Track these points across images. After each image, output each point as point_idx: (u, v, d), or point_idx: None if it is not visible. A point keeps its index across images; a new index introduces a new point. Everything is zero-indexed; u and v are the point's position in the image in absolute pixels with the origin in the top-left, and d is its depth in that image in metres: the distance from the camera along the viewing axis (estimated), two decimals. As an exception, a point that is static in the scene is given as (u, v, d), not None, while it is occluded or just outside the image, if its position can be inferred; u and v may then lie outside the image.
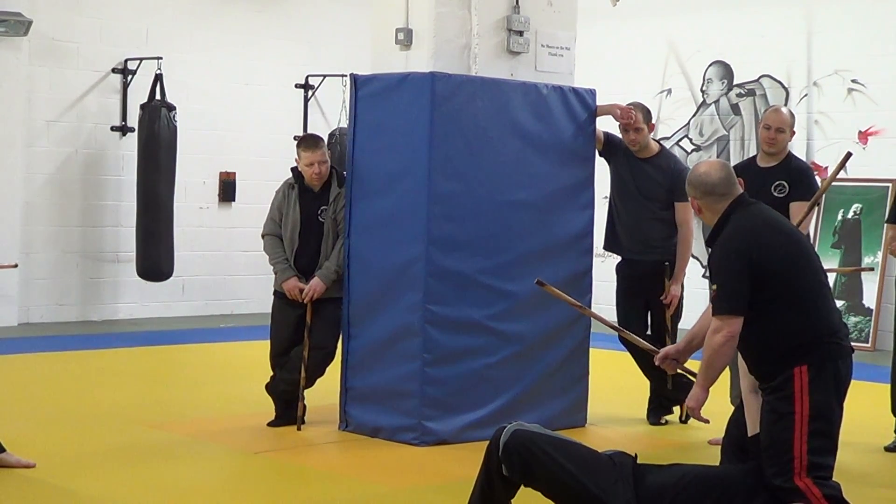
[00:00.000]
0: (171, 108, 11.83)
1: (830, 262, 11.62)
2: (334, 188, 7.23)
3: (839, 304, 11.48)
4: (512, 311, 7.08)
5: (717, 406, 7.53)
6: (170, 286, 12.30)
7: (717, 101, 12.89)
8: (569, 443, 4.62)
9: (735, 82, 12.75)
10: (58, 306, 11.97)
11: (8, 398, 7.87)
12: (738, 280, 4.56)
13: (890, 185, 11.41)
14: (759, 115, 11.38)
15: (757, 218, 4.74)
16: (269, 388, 7.31)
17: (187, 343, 11.04)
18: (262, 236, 7.40)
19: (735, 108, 12.72)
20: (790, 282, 4.59)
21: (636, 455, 4.64)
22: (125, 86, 12.26)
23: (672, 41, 13.10)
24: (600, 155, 7.65)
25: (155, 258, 11.76)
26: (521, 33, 7.27)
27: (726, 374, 7.19)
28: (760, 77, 12.54)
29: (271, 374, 7.35)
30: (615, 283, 7.77)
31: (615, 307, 7.69)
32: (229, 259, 13.07)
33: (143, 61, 12.08)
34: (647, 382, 7.74)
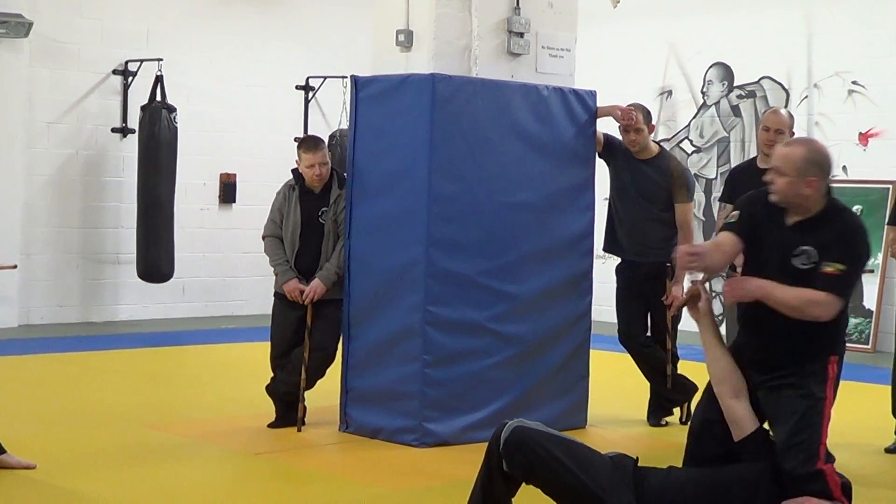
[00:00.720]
0: (172, 109, 11.84)
1: (831, 263, 11.62)
2: (335, 190, 7.24)
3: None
4: (512, 313, 7.08)
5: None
6: (170, 287, 12.31)
7: (717, 103, 12.90)
8: (571, 441, 4.62)
9: (735, 84, 12.75)
10: (58, 307, 11.98)
11: (8, 399, 7.88)
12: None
13: (890, 186, 11.41)
14: (760, 117, 11.37)
15: None
16: (270, 389, 7.31)
17: (188, 344, 11.04)
18: (263, 238, 7.40)
19: (735, 110, 12.73)
20: None
21: (637, 458, 4.64)
22: (126, 87, 12.27)
23: (672, 43, 13.10)
24: (600, 156, 7.65)
25: (155, 259, 11.77)
26: (521, 35, 7.27)
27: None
28: (761, 79, 12.54)
29: (272, 375, 7.35)
30: (615, 285, 7.76)
31: (615, 308, 7.68)
32: (230, 260, 13.07)
33: (144, 63, 12.09)
34: (647, 384, 7.74)
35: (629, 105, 7.57)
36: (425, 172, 6.80)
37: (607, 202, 7.72)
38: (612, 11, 11.53)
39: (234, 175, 13.08)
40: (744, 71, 12.63)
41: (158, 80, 11.89)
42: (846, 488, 4.62)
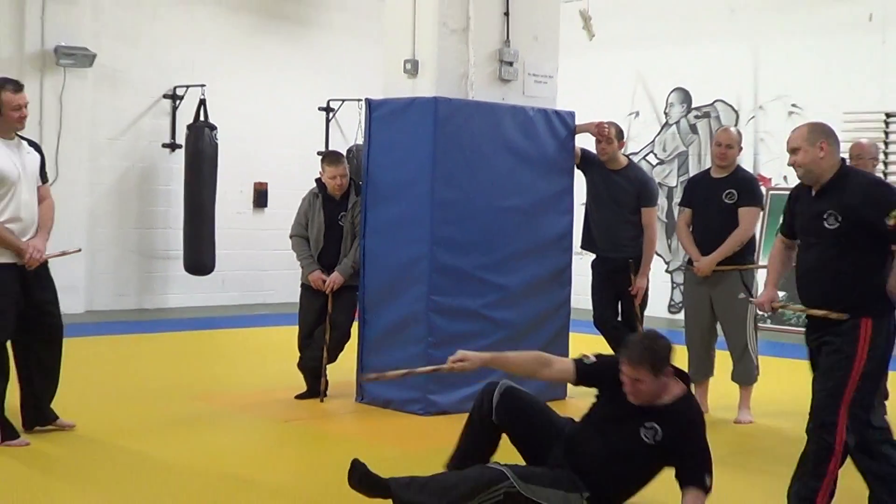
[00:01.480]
0: (213, 127, 11.82)
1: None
2: (352, 197, 7.24)
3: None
4: (503, 301, 7.07)
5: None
6: (212, 280, 12.28)
7: (677, 122, 12.87)
8: (548, 407, 4.72)
9: (693, 105, 12.73)
10: (118, 296, 11.96)
11: (76, 375, 7.83)
12: None
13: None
14: (714, 134, 11.37)
15: None
16: (300, 365, 7.31)
17: (226, 328, 11.03)
18: (291, 237, 7.39)
19: (693, 128, 12.71)
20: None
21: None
22: (174, 109, 12.25)
23: (639, 71, 13.08)
24: (578, 168, 7.62)
25: (199, 256, 11.76)
26: (511, 64, 7.25)
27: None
28: (715, 101, 12.52)
29: (300, 354, 7.34)
30: (591, 277, 7.73)
31: (591, 296, 7.66)
32: (262, 256, 13.05)
33: (190, 88, 12.07)
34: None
35: (607, 122, 7.52)
36: (429, 181, 6.79)
37: (584, 207, 7.69)
38: (588, 44, 11.48)
39: (266, 183, 13.05)
40: (700, 95, 12.62)
41: (202, 102, 11.87)
42: (845, 447, 4.40)
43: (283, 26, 13.18)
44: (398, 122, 6.95)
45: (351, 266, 7.14)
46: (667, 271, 12.75)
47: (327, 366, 7.17)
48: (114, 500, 4.87)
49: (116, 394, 7.27)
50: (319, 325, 7.24)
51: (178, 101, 12.21)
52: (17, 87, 5.69)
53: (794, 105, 11.78)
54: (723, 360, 7.09)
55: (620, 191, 7.46)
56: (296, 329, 7.45)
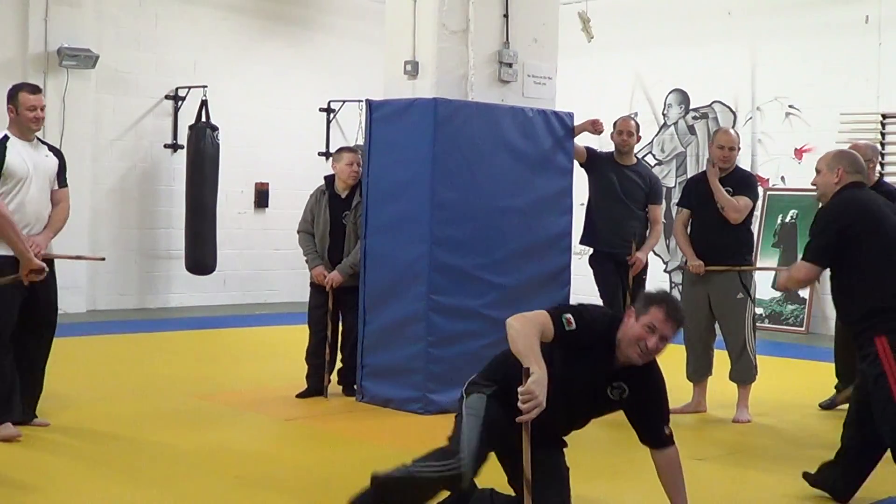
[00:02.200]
0: (215, 128, 11.81)
1: (771, 260, 11.62)
2: (356, 196, 7.26)
3: (777, 295, 11.47)
4: (502, 300, 7.05)
5: (678, 381, 7.53)
6: (213, 279, 12.28)
7: (675, 123, 12.86)
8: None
9: (691, 107, 12.73)
10: (119, 296, 11.96)
11: (79, 374, 7.85)
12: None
13: (822, 193, 11.39)
14: (711, 135, 11.36)
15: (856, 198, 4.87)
16: (309, 361, 7.38)
17: (228, 328, 11.01)
18: (298, 232, 7.44)
19: (691, 129, 12.70)
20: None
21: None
22: (176, 110, 12.24)
23: (638, 72, 13.07)
24: (582, 166, 7.60)
25: (201, 255, 11.75)
26: (510, 65, 7.24)
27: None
28: (712, 102, 12.52)
29: (310, 349, 7.37)
30: (592, 273, 7.66)
31: (598, 287, 7.52)
32: (263, 256, 13.05)
33: (192, 89, 12.07)
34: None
35: (627, 115, 7.57)
36: (429, 181, 6.78)
37: (586, 204, 7.63)
38: (587, 45, 11.50)
39: (267, 184, 13.04)
40: (698, 96, 12.61)
41: (204, 103, 11.87)
42: None
43: (285, 28, 13.17)
44: (398, 122, 6.94)
45: (350, 267, 7.14)
46: (665, 271, 12.75)
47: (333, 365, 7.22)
48: (114, 498, 4.86)
49: (118, 393, 7.26)
50: (326, 321, 7.29)
51: (180, 102, 12.20)
52: (34, 89, 5.93)
53: (791, 106, 11.78)
54: (721, 360, 7.08)
55: (633, 186, 7.43)
56: (296, 328, 7.45)
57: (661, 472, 4.20)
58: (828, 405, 7.10)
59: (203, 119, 11.84)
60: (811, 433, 6.60)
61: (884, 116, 11.20)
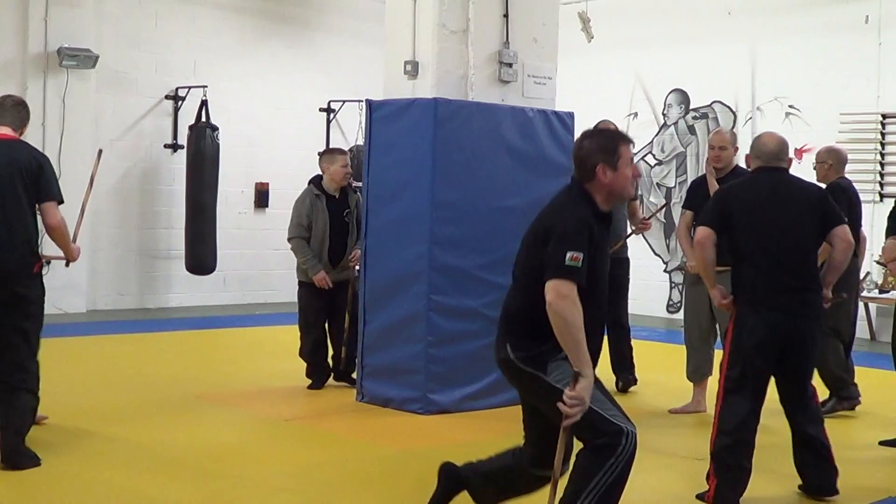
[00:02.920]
0: (215, 128, 11.82)
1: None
2: (351, 195, 7.37)
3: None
4: (502, 300, 7.00)
5: (678, 381, 7.54)
6: (213, 279, 12.28)
7: (675, 123, 12.86)
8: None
9: (691, 107, 12.72)
10: (119, 296, 11.96)
11: (78, 373, 7.86)
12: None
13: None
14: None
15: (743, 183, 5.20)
16: (308, 357, 7.54)
17: (228, 327, 11.01)
18: (290, 240, 7.44)
19: (691, 129, 12.70)
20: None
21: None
22: (176, 110, 12.24)
23: (638, 72, 13.07)
24: None
25: (201, 255, 11.75)
26: (510, 65, 7.24)
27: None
28: (712, 102, 12.51)
29: (307, 347, 7.51)
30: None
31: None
32: (263, 256, 13.04)
33: (192, 89, 12.07)
34: (616, 359, 7.69)
35: (603, 121, 7.56)
36: (429, 181, 6.78)
37: None
38: (587, 46, 11.51)
39: (267, 184, 13.04)
40: (698, 96, 12.60)
41: (203, 103, 11.87)
42: None
43: (285, 28, 13.16)
44: (398, 122, 6.94)
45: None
46: (665, 271, 12.75)
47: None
48: (115, 498, 4.85)
49: (118, 392, 7.25)
50: (324, 320, 7.47)
51: (180, 102, 12.20)
52: None
53: (791, 106, 11.78)
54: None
55: None
56: (296, 328, 7.46)
57: None
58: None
59: (203, 119, 11.84)
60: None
61: (884, 116, 11.20)
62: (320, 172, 7.58)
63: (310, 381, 7.50)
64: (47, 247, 5.84)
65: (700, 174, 7.69)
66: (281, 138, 13.06)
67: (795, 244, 4.92)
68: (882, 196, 11.16)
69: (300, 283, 7.47)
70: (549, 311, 3.79)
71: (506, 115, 7.08)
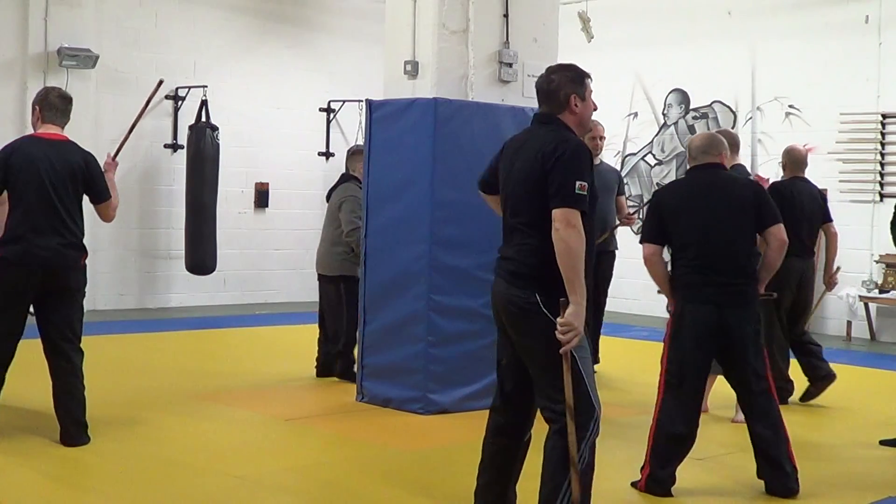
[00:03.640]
0: (215, 128, 11.82)
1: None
2: None
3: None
4: (502, 300, 7.05)
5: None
6: (213, 279, 12.28)
7: (675, 123, 12.86)
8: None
9: (691, 107, 12.73)
10: (119, 296, 11.96)
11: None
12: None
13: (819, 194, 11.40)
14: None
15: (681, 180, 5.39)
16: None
17: (228, 327, 11.01)
18: (352, 231, 7.56)
19: (691, 129, 12.69)
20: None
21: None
22: (176, 110, 12.24)
23: (638, 72, 13.07)
24: None
25: (201, 255, 11.75)
26: (510, 65, 7.24)
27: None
28: (712, 102, 12.52)
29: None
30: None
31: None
32: (263, 256, 13.05)
33: (192, 89, 12.07)
34: (619, 360, 7.77)
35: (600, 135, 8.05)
36: (429, 181, 6.78)
37: None
38: (587, 45, 11.50)
39: (267, 184, 13.04)
40: (698, 96, 12.61)
41: (203, 103, 11.87)
42: None
43: (285, 28, 13.17)
44: (398, 122, 6.94)
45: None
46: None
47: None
48: (115, 497, 4.86)
49: (117, 393, 7.25)
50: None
51: (180, 102, 12.20)
52: None
53: (791, 106, 11.78)
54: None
55: (610, 179, 8.05)
56: (296, 328, 7.47)
57: None
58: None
59: (203, 119, 11.84)
60: (811, 432, 6.59)
61: (884, 116, 11.21)
62: (350, 171, 7.78)
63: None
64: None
65: None
66: (281, 138, 13.06)
67: (725, 239, 5.07)
68: (882, 196, 11.16)
69: (352, 279, 7.49)
70: (555, 238, 3.86)
71: (506, 115, 7.07)
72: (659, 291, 5.43)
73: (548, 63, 7.57)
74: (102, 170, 5.97)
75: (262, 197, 13.03)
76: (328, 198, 8.04)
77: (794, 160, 7.46)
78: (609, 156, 13.41)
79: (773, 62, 11.94)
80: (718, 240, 5.07)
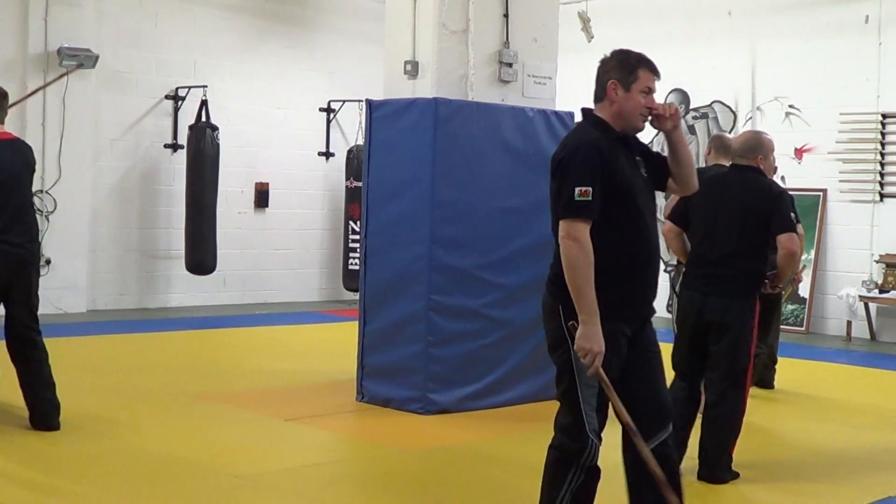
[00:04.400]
0: (215, 128, 11.81)
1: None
2: None
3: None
4: (502, 300, 7.06)
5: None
6: (213, 279, 12.28)
7: (675, 123, 12.85)
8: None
9: (691, 107, 12.72)
10: (120, 296, 11.95)
11: (78, 374, 7.84)
12: None
13: (821, 194, 11.42)
14: (711, 135, 11.38)
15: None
16: None
17: (228, 327, 11.01)
18: None
19: (691, 129, 12.69)
20: None
21: None
22: (176, 110, 12.24)
23: (638, 72, 13.06)
24: None
25: (201, 255, 11.75)
26: (510, 65, 7.24)
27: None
28: (713, 102, 12.51)
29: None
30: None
31: None
32: (263, 256, 13.04)
33: (192, 89, 12.07)
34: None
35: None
36: (429, 181, 6.78)
37: None
38: (587, 46, 11.50)
39: (267, 184, 13.03)
40: (698, 96, 12.61)
41: (204, 103, 11.87)
42: None
43: (285, 28, 13.16)
44: (398, 122, 6.94)
45: None
46: (666, 271, 12.74)
47: None
48: (115, 498, 4.85)
49: (118, 393, 7.25)
50: None
51: (180, 102, 12.20)
52: None
53: (791, 106, 11.78)
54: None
55: None
56: (296, 328, 7.46)
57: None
58: None
59: (203, 119, 11.84)
60: (810, 432, 6.59)
61: (884, 116, 11.20)
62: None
63: None
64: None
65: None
66: (281, 138, 13.06)
67: (724, 240, 5.21)
68: (882, 196, 11.16)
69: None
70: (560, 251, 3.61)
71: (506, 115, 7.08)
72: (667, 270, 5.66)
73: (548, 63, 7.62)
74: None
75: (262, 197, 13.02)
76: None
77: (718, 145, 6.92)
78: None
79: (773, 62, 11.93)
80: (719, 240, 5.22)
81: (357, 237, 11.54)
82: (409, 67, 7.06)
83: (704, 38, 12.37)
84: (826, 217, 11.45)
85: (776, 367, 7.79)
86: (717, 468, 5.20)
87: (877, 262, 11.10)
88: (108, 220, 11.82)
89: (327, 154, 13.35)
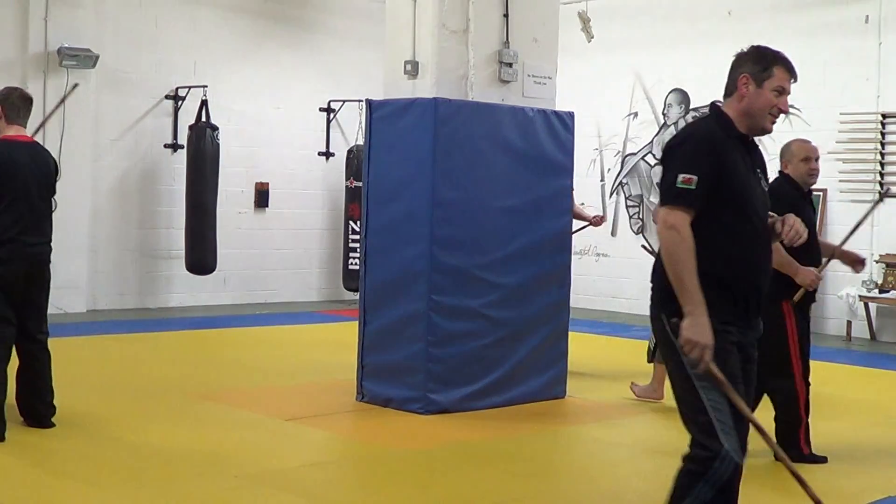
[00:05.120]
0: (215, 128, 11.82)
1: (771, 258, 11.64)
2: None
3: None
4: (502, 300, 7.05)
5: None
6: (213, 279, 12.28)
7: (675, 123, 12.86)
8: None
9: (691, 106, 12.73)
10: (120, 296, 11.96)
11: (79, 373, 7.84)
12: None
13: (821, 193, 11.40)
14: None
15: None
16: None
17: (228, 327, 11.01)
18: None
19: (691, 129, 12.70)
20: None
21: None
22: (176, 110, 12.24)
23: (638, 72, 13.07)
24: None
25: (201, 255, 11.76)
26: (510, 65, 7.24)
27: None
28: (713, 102, 12.50)
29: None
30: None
31: None
32: (263, 256, 13.04)
33: (192, 89, 12.07)
34: (619, 360, 7.72)
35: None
36: (429, 181, 6.77)
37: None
38: (587, 45, 11.51)
39: (267, 184, 13.03)
40: (698, 95, 12.60)
41: (204, 103, 11.87)
42: None
43: (285, 28, 13.16)
44: (398, 122, 6.94)
45: None
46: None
47: None
48: (115, 498, 4.85)
49: (118, 392, 7.25)
50: None
51: (180, 102, 12.20)
52: None
53: (791, 106, 11.75)
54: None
55: None
56: (296, 328, 7.46)
57: None
58: None
59: (203, 119, 11.84)
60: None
61: (884, 116, 11.20)
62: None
63: None
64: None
65: None
66: (281, 138, 13.06)
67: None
68: (882, 196, 11.15)
69: None
70: (659, 243, 3.42)
71: (506, 115, 7.08)
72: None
73: (548, 63, 7.62)
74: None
75: (262, 197, 13.02)
76: None
77: None
78: (609, 155, 13.43)
79: (773, 62, 11.93)
80: None
81: (357, 237, 11.55)
82: (409, 67, 7.06)
83: (704, 38, 12.37)
84: (826, 217, 11.45)
85: None
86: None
87: (877, 262, 11.09)
88: (108, 219, 11.82)
89: (327, 154, 13.35)
